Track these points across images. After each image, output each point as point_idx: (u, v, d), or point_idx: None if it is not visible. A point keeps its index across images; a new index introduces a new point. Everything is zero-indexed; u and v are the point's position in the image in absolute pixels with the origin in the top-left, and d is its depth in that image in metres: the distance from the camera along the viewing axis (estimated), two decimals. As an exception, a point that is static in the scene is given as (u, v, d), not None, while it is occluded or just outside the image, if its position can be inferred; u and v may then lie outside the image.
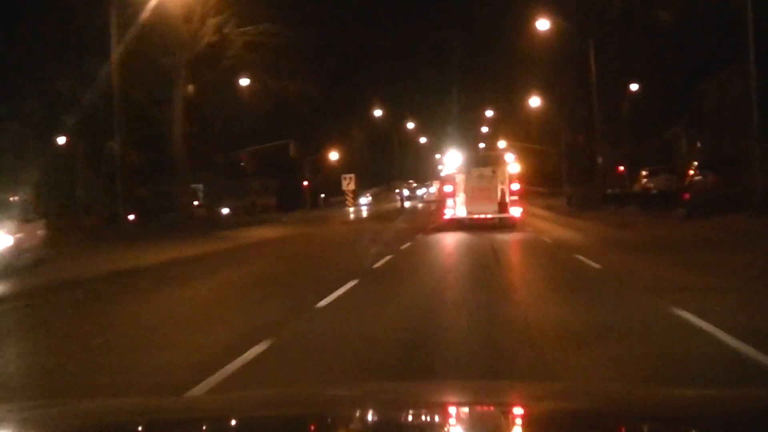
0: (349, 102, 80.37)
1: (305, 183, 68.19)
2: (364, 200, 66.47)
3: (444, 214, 26.40)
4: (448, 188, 26.67)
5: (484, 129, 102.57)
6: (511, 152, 31.64)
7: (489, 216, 25.43)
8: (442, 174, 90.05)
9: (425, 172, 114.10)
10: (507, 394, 2.83)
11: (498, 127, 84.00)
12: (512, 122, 78.30)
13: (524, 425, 2.25)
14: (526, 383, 4.63)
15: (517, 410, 2.47)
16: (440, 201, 35.41)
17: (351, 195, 38.21)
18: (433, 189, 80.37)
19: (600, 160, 43.38)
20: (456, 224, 25.66)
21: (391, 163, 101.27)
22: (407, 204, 64.95)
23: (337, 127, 73.76)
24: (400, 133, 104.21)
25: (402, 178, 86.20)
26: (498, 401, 2.60)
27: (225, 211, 58.57)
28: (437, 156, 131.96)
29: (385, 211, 52.21)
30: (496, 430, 2.29)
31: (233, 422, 2.41)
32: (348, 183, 37.58)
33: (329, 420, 2.40)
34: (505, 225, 25.22)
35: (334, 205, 69.11)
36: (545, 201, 56.09)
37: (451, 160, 29.07)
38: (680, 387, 4.17)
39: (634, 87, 49.75)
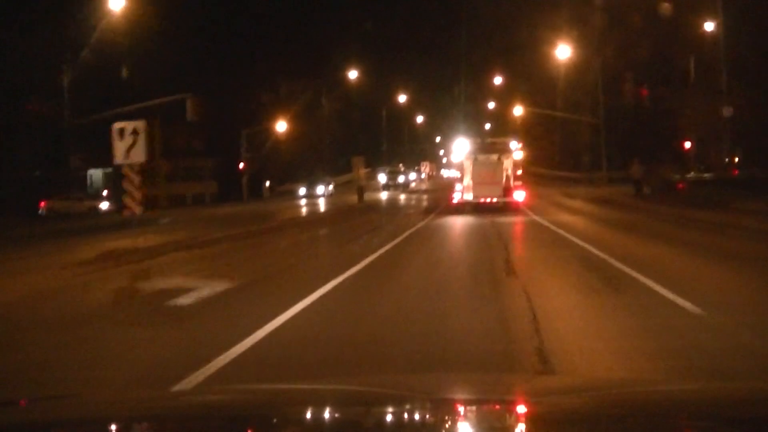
0: (315, 60, 60.03)
1: (241, 165, 48.11)
2: (321, 190, 46.31)
3: (452, 198, 26.52)
4: (456, 174, 28.30)
5: (491, 104, 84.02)
6: (515, 139, 29.77)
7: (494, 200, 25.62)
8: (446, 160, 72.40)
9: (423, 156, 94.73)
10: (512, 389, 2.76)
11: (510, 96, 63.47)
12: (529, 87, 57.75)
13: (529, 421, 2.14)
14: (529, 376, 4.50)
15: (522, 406, 2.36)
16: (438, 190, 35.04)
17: (135, 181, 13.60)
18: (423, 175, 59.48)
19: (729, 111, 23.05)
20: (464, 207, 25.57)
21: (378, 143, 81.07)
22: (384, 195, 44.74)
23: (293, 91, 53.43)
24: (390, 108, 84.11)
25: (371, 159, 65.99)
26: (504, 396, 2.54)
27: (104, 206, 38.59)
28: (437, 138, 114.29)
29: (333, 210, 32.03)
30: (502, 425, 2.17)
31: (230, 419, 2.26)
32: (127, 150, 12.90)
33: (324, 418, 2.28)
34: (509, 208, 25.03)
35: (283, 195, 49.00)
36: (584, 192, 35.90)
37: (459, 147, 28.08)
38: (684, 381, 4.14)
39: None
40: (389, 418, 2.21)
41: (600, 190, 36.08)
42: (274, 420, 2.22)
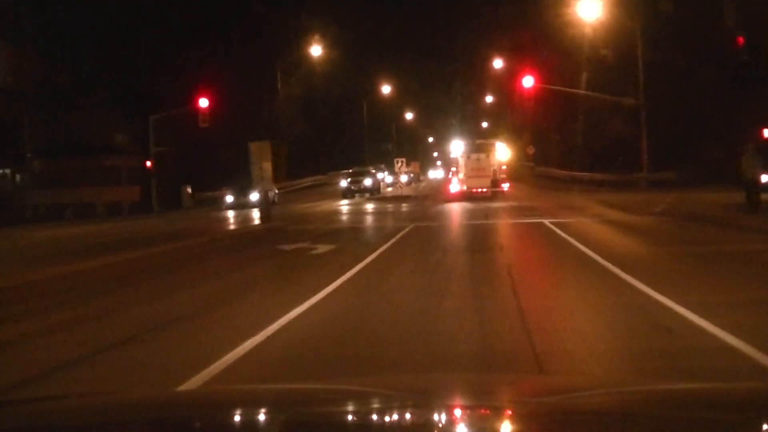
0: (269, 31, 46.36)
1: (148, 163, 34.55)
2: (256, 197, 32.54)
3: (450, 189, 29.85)
4: (442, 174, 35.53)
5: (489, 98, 72.92)
6: (500, 141, 35.61)
7: (484, 190, 29.30)
8: (440, 162, 65.05)
9: (414, 155, 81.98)
10: (510, 389, 2.62)
11: (513, 85, 49.84)
12: (540, 64, 43.89)
13: (527, 422, 2.05)
14: (527, 376, 4.25)
15: (519, 407, 2.23)
16: (420, 197, 34.79)
17: None
18: (405, 178, 44.78)
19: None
20: (460, 196, 28.76)
21: (358, 141, 67.34)
22: (343, 204, 31.11)
23: (225, 63, 39.77)
24: (377, 105, 70.61)
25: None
26: (502, 396, 2.44)
27: None
28: (430, 139, 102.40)
29: (194, 245, 18.00)
30: (500, 427, 2.08)
31: (230, 418, 2.20)
32: None
33: (320, 419, 2.18)
34: (497, 196, 28.58)
35: (208, 203, 35.27)
36: (633, 200, 22.84)
37: (454, 147, 33.71)
38: (680, 382, 3.82)
39: None
40: (389, 419, 2.12)
41: (658, 198, 22.54)
42: (276, 420, 2.14)
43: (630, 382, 3.41)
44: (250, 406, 2.29)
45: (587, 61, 36.49)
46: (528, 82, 34.43)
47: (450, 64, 78.68)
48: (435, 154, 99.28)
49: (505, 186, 29.88)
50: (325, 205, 29.78)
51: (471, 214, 21.06)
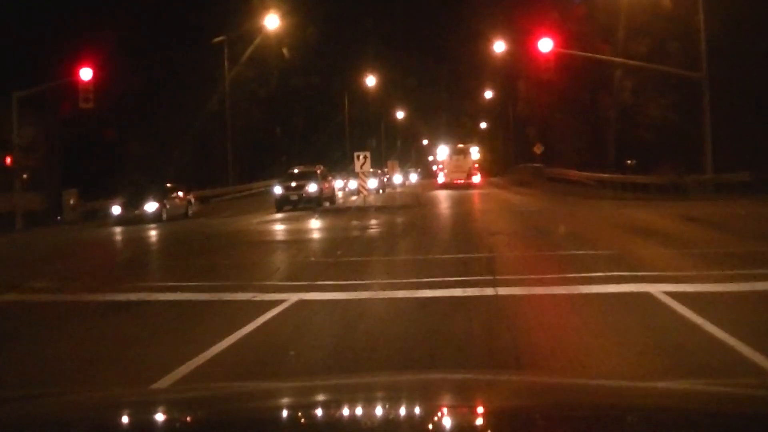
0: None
1: (8, 160, 23.56)
2: (153, 207, 21.41)
3: (438, 181, 40.58)
4: (440, 167, 42.26)
5: (488, 94, 65.30)
6: (474, 145, 46.15)
7: (461, 181, 38.08)
8: (436, 167, 60.63)
9: (404, 160, 72.07)
10: (496, 387, 2.43)
11: (521, 52, 38.95)
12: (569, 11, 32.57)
13: (516, 420, 1.89)
14: (515, 374, 3.96)
15: (508, 405, 2.08)
16: (390, 208, 27.12)
17: None
18: (373, 183, 32.00)
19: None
20: (444, 185, 38.06)
21: (336, 139, 55.95)
22: (261, 224, 19.90)
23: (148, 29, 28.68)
24: (359, 98, 59.57)
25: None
26: (489, 394, 2.26)
27: None
28: (425, 142, 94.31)
29: None
30: (487, 425, 1.91)
31: (209, 416, 2.08)
32: None
33: (303, 416, 2.05)
34: (471, 186, 37.11)
35: (96, 216, 23.99)
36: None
37: (441, 150, 44.36)
38: (675, 379, 3.67)
39: None
40: (368, 415, 1.97)
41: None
42: (253, 418, 2.00)
43: (629, 379, 3.24)
44: (227, 403, 2.16)
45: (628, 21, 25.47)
46: (545, 45, 23.33)
47: (447, 60, 69.32)
48: (430, 158, 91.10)
49: (476, 178, 39.94)
50: (239, 223, 18.70)
51: (462, 264, 9.14)
